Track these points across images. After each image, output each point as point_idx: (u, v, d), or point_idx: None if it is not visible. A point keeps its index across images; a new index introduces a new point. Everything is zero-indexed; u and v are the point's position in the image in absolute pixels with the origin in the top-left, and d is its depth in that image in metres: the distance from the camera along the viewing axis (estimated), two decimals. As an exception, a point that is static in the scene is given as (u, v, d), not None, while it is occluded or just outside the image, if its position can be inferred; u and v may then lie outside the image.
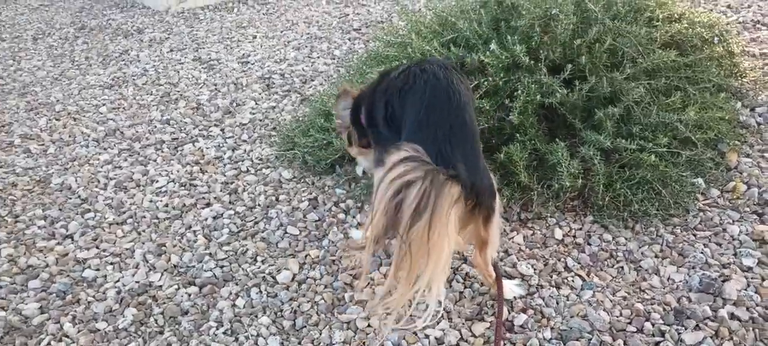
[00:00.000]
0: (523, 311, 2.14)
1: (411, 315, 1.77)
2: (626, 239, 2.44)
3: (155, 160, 3.30)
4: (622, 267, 2.31)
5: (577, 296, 2.19)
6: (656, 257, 2.34)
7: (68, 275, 2.49)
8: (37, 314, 2.30)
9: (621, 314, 2.10)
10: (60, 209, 2.93)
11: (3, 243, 2.70)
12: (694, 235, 2.41)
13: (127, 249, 2.63)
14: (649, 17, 2.98)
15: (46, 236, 2.74)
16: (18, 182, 3.17)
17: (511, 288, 2.20)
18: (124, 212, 2.88)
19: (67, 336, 2.19)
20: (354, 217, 2.71)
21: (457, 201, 1.66)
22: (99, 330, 2.21)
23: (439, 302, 1.97)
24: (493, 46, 2.76)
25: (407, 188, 1.59)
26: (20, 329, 2.24)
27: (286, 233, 2.65)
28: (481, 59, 2.73)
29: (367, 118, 2.30)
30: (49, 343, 2.17)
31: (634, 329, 2.03)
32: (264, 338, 2.12)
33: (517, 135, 2.65)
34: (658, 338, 1.99)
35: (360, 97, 2.39)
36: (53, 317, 2.28)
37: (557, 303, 2.16)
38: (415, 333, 2.08)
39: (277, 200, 2.88)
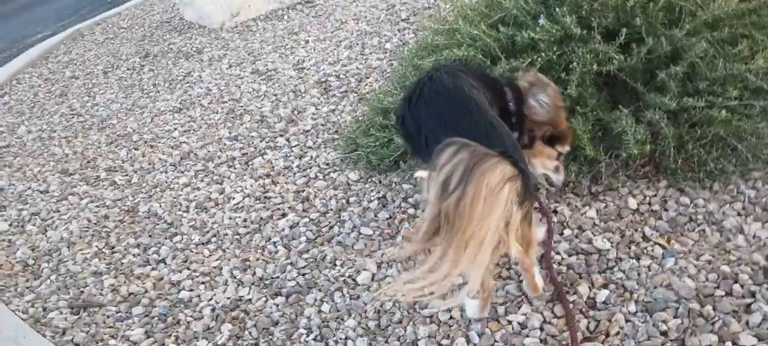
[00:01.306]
0: (605, 286, 2.14)
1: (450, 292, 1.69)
2: (705, 199, 2.38)
3: (229, 178, 3.46)
4: (704, 230, 2.26)
5: (658, 265, 2.17)
6: (739, 215, 2.28)
7: (166, 298, 2.67)
8: (143, 338, 2.48)
9: (707, 279, 2.06)
10: (150, 236, 3.13)
11: (104, 274, 2.91)
12: (777, 187, 2.33)
13: (215, 267, 2.78)
14: (706, -35, 2.86)
15: (141, 263, 2.93)
16: (109, 214, 3.40)
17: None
18: (208, 232, 3.05)
19: (173, 357, 2.36)
20: (424, 211, 2.76)
21: (511, 179, 1.58)
22: (200, 348, 2.37)
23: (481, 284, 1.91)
24: (542, 20, 2.73)
25: (457, 168, 1.54)
26: (130, 354, 2.43)
27: (360, 234, 2.73)
28: (532, 36, 2.71)
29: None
30: (157, 365, 2.34)
31: (723, 293, 2.00)
32: (352, 340, 2.21)
33: (578, 107, 2.62)
34: (748, 299, 1.96)
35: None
36: (158, 339, 2.45)
37: (639, 275, 2.15)
38: (497, 320, 2.12)
39: (347, 202, 2.96)
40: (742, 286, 2.00)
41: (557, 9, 2.73)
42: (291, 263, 2.67)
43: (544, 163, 2.38)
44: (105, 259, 3.03)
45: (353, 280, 2.49)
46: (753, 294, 1.96)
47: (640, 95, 2.61)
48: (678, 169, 2.47)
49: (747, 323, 1.89)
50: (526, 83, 2.23)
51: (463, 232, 1.54)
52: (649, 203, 2.45)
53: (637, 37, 2.63)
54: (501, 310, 2.16)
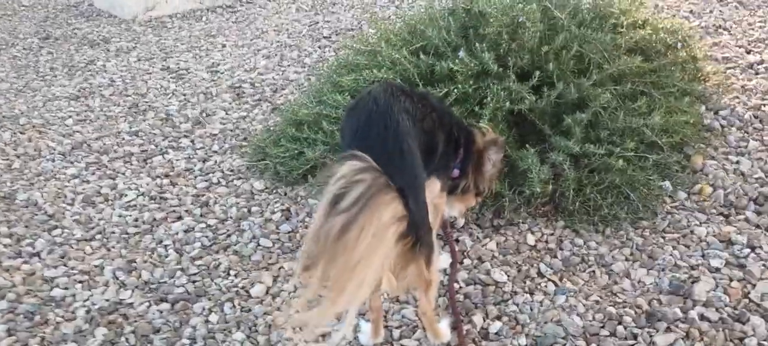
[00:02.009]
0: (498, 318, 2.16)
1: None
2: (597, 242, 2.48)
3: (124, 174, 3.25)
4: (594, 271, 2.35)
5: (550, 301, 2.22)
6: (627, 260, 2.38)
7: (36, 295, 2.44)
8: (4, 336, 2.24)
9: (594, 318, 2.13)
10: (26, 226, 2.87)
11: (-34, 263, 2.63)
12: (663, 237, 2.46)
13: (96, 266, 2.58)
14: (614, 24, 3.04)
15: (12, 255, 2.67)
16: (-19, 199, 3.10)
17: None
18: (93, 228, 2.83)
19: (36, 358, 2.15)
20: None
21: (399, 220, 1.54)
22: (68, 351, 2.17)
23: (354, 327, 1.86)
24: (462, 53, 2.79)
25: (352, 188, 1.47)
26: (-14, 352, 2.19)
27: (259, 245, 2.63)
28: (451, 67, 2.75)
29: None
30: (16, 366, 2.12)
31: (607, 333, 2.07)
32: (238, 354, 2.10)
33: (488, 142, 2.67)
34: (630, 342, 2.03)
35: None
36: (21, 339, 2.22)
37: (531, 309, 2.18)
38: (391, 344, 2.08)
39: (249, 212, 2.86)
40: (625, 328, 2.08)
41: (477, 44, 2.80)
42: (181, 269, 2.53)
43: (462, 207, 2.42)
44: (-29, 246, 2.75)
45: (246, 292, 2.38)
46: (635, 336, 2.04)
47: (546, 137, 2.71)
48: (575, 211, 2.56)
49: (628, 364, 1.96)
50: (487, 139, 2.23)
51: (344, 268, 1.47)
52: (547, 241, 2.51)
53: (548, 81, 2.74)
54: (396, 334, 2.12)
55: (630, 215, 2.55)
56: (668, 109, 2.82)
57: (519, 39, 2.82)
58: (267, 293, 2.37)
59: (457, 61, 2.77)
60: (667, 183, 2.69)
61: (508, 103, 2.66)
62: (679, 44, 3.15)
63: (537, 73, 2.70)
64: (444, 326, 2.06)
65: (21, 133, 3.75)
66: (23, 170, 3.35)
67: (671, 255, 2.36)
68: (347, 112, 2.00)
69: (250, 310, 2.29)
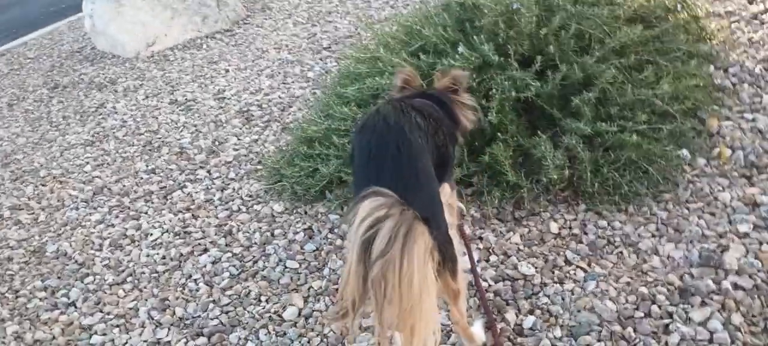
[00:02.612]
0: (531, 312, 2.16)
1: None
2: (621, 222, 2.47)
3: (147, 213, 3.30)
4: (622, 252, 2.34)
5: (581, 288, 2.21)
6: (653, 236, 2.37)
7: (76, 345, 2.49)
8: (50, 391, 2.30)
9: (627, 301, 2.12)
10: (59, 277, 2.93)
11: (7, 321, 2.70)
12: (687, 208, 2.44)
13: (130, 309, 2.63)
14: (610, -4, 3.01)
15: (48, 307, 2.74)
16: (13, 256, 3.16)
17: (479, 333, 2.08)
18: (123, 271, 2.88)
19: (84, 410, 2.20)
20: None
21: (432, 248, 1.53)
22: (114, 398, 2.21)
23: None
24: (461, 48, 2.79)
25: (378, 224, 1.46)
26: (36, 409, 2.24)
27: (286, 268, 2.66)
28: (452, 63, 2.75)
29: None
30: (66, 420, 2.17)
31: (642, 314, 2.06)
32: (279, 380, 2.13)
33: (499, 134, 2.68)
34: (666, 320, 2.02)
35: None
36: (67, 391, 2.28)
37: (563, 299, 2.18)
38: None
39: (272, 235, 2.88)
40: (659, 307, 2.07)
41: (475, 37, 2.79)
42: (213, 301, 2.56)
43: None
44: (8, 304, 2.81)
45: (279, 316, 2.41)
46: (670, 315, 2.03)
47: (557, 121, 2.70)
48: (595, 193, 2.55)
49: (666, 343, 1.95)
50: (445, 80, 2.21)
51: (408, 310, 1.47)
52: (570, 227, 2.51)
53: (551, 65, 2.73)
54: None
55: (651, 189, 2.53)
56: (676, 75, 2.79)
57: (516, 26, 2.82)
58: (299, 314, 2.39)
59: (457, 56, 2.77)
60: (685, 151, 2.66)
61: (513, 92, 2.66)
62: (679, 6, 3.12)
63: (538, 57, 2.69)
64: (477, 328, 2.07)
65: (42, 185, 3.82)
66: (49, 222, 3.41)
67: (697, 226, 2.34)
68: (358, 130, 1.98)
69: (284, 334, 2.31)
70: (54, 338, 2.55)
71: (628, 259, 2.30)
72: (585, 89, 2.66)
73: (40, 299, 2.80)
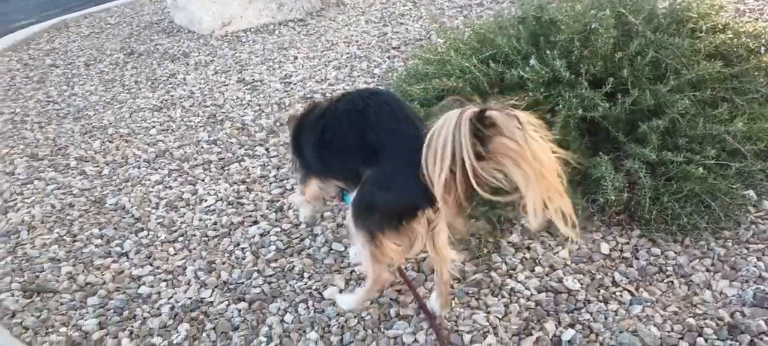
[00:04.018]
0: (571, 326, 2.13)
1: None
2: (675, 252, 2.41)
3: (203, 180, 3.40)
4: (672, 282, 2.28)
5: (625, 310, 2.17)
6: (707, 271, 2.30)
7: (124, 292, 2.59)
8: (96, 329, 2.39)
9: (672, 329, 2.07)
10: (115, 228, 3.05)
11: (63, 262, 2.82)
12: (747, 248, 2.37)
13: (179, 266, 2.71)
14: (692, 29, 2.96)
15: (102, 255, 2.85)
16: (75, 203, 3.31)
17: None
18: (175, 231, 2.98)
19: (125, 351, 2.28)
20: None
21: None
22: (155, 345, 2.29)
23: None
24: (533, 61, 2.78)
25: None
26: (80, 344, 2.33)
27: (331, 249, 2.69)
28: (521, 75, 2.75)
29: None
30: (107, 357, 2.26)
31: (686, 345, 2.01)
32: (313, 353, 2.16)
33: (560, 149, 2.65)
34: (711, 354, 1.97)
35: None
36: (111, 332, 2.37)
37: (606, 318, 2.15)
38: (462, 348, 2.10)
39: (321, 217, 2.93)
40: (705, 340, 2.01)
41: (548, 52, 2.78)
42: (257, 271, 2.62)
43: None
44: (65, 246, 2.94)
45: (319, 293, 2.44)
46: (716, 349, 1.98)
47: (620, 145, 2.66)
48: (652, 220, 2.50)
49: (708, 376, 1.90)
50: None
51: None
52: (621, 250, 2.46)
53: (622, 89, 2.69)
54: (467, 339, 2.13)
55: (711, 224, 2.46)
56: (751, 116, 2.71)
57: (591, 46, 2.79)
58: (340, 294, 2.42)
59: (527, 69, 2.77)
60: (752, 192, 2.59)
61: (580, 111, 2.63)
62: (763, 49, 3.02)
63: (610, 79, 2.66)
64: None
65: (109, 142, 3.99)
66: (112, 177, 3.56)
67: (755, 266, 2.27)
68: (335, 119, 2.13)
69: (323, 311, 2.35)
70: (104, 283, 2.66)
71: (678, 289, 2.24)
72: (654, 117, 2.62)
73: (96, 246, 2.92)
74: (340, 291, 2.43)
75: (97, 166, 3.69)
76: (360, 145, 1.99)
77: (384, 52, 4.86)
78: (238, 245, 2.82)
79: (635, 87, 2.67)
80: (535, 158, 1.56)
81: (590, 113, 2.65)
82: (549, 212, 1.60)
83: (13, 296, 2.62)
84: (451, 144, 1.61)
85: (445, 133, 1.61)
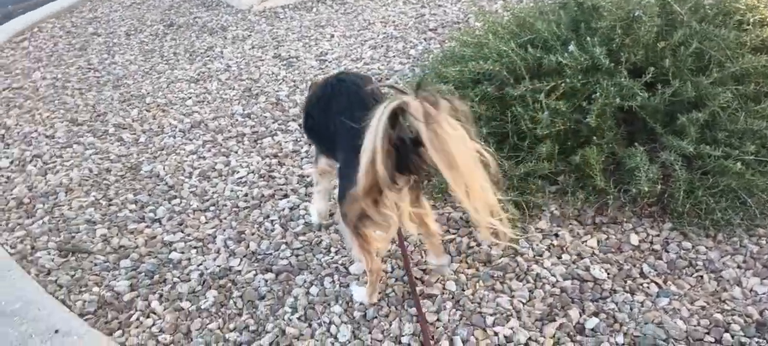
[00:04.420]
0: (595, 314, 2.12)
1: None
2: (707, 247, 2.37)
3: (236, 152, 3.45)
4: (702, 276, 2.24)
5: (652, 302, 2.15)
6: (739, 267, 2.26)
7: (156, 257, 2.65)
8: (127, 291, 2.46)
9: (698, 324, 2.04)
10: (149, 195, 3.12)
11: (98, 224, 2.90)
12: (781, 247, 2.32)
13: (209, 235, 2.77)
14: (739, 21, 2.87)
15: (136, 219, 2.92)
16: (111, 168, 3.39)
17: None
18: (207, 200, 3.03)
19: (155, 313, 2.34)
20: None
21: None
22: (183, 309, 2.34)
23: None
24: (572, 47, 2.74)
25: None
26: (112, 304, 2.40)
27: (359, 226, 2.71)
28: (559, 60, 2.71)
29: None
30: (138, 318, 2.32)
31: (712, 340, 1.98)
32: (336, 326, 2.19)
33: (594, 138, 2.62)
34: (737, 351, 1.93)
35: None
36: (142, 294, 2.43)
37: (631, 309, 2.13)
38: (484, 329, 2.10)
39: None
40: (732, 336, 1.98)
41: (588, 38, 2.74)
42: (285, 243, 2.66)
43: None
44: (100, 209, 3.02)
45: (345, 268, 2.47)
46: (743, 345, 1.94)
47: (657, 136, 2.62)
48: (685, 213, 2.46)
49: (734, 373, 1.87)
50: None
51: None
52: (651, 242, 2.43)
53: (663, 79, 2.64)
54: (489, 321, 2.14)
55: (745, 221, 2.41)
56: (796, 114, 2.63)
57: (633, 34, 2.74)
58: (356, 285, 2.44)
59: (566, 55, 2.73)
60: (790, 191, 2.51)
61: (618, 100, 2.59)
62: (813, 45, 2.92)
63: (651, 69, 2.61)
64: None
65: (146, 110, 4.06)
66: (148, 145, 3.63)
67: (790, 266, 2.22)
68: (324, 101, 2.26)
69: (348, 286, 2.37)
70: (137, 246, 2.73)
71: (707, 284, 2.21)
72: (694, 109, 2.56)
73: (130, 211, 2.99)
74: (357, 279, 2.45)
75: (134, 134, 3.77)
76: (327, 133, 2.14)
77: (420, 33, 4.83)
78: (268, 217, 2.86)
79: (676, 78, 2.61)
80: (443, 150, 1.64)
81: (628, 103, 2.60)
82: (469, 205, 1.71)
83: (49, 254, 2.70)
84: (373, 134, 1.68)
85: (373, 124, 1.68)
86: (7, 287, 2.48)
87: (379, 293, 2.31)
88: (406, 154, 1.76)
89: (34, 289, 2.48)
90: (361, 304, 2.27)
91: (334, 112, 2.13)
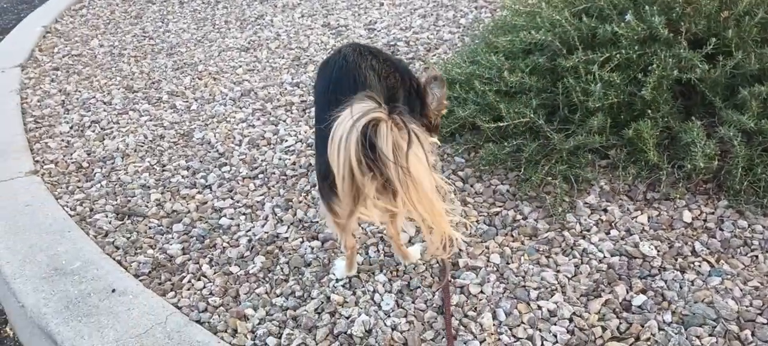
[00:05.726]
0: (643, 291, 2.07)
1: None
2: (764, 226, 2.28)
3: (285, 121, 3.49)
4: (757, 256, 2.17)
5: (703, 281, 2.09)
6: (797, 248, 2.17)
7: (207, 222, 2.72)
8: (179, 254, 2.54)
9: (751, 304, 1.98)
10: (201, 162, 3.20)
11: (152, 189, 3.00)
12: None
13: (257, 202, 2.83)
14: (810, -12, 2.71)
15: (188, 185, 3.01)
16: (165, 135, 3.49)
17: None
18: (256, 168, 3.09)
19: (205, 276, 2.42)
20: (472, 186, 2.73)
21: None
22: (232, 273, 2.41)
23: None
24: (628, 16, 2.65)
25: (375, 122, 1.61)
26: (165, 266, 2.49)
27: (404, 197, 2.72)
28: (615, 30, 2.63)
29: None
30: (189, 280, 2.40)
31: (765, 321, 1.92)
32: (380, 295, 2.21)
33: (649, 111, 2.54)
34: (792, 334, 1.87)
35: None
36: (193, 258, 2.51)
37: (681, 287, 2.07)
38: (528, 303, 2.09)
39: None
40: (787, 318, 1.91)
41: (647, 7, 2.64)
42: (332, 211, 2.69)
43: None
44: (155, 175, 3.12)
45: (391, 238, 2.48)
46: (798, 329, 1.87)
47: (716, 110, 2.52)
48: (742, 191, 2.37)
49: (787, 356, 1.81)
50: (427, 76, 2.30)
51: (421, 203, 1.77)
52: (705, 220, 2.36)
53: (725, 50, 2.53)
54: (533, 294, 2.12)
55: (808, 200, 2.31)
56: None
57: (695, 3, 2.63)
58: (410, 242, 2.46)
59: (622, 24, 2.64)
60: None
61: (675, 72, 2.50)
62: None
63: (712, 40, 2.50)
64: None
65: (198, 78, 4.15)
66: (199, 112, 3.72)
67: None
68: (320, 69, 2.23)
69: (392, 255, 2.39)
70: (189, 211, 2.81)
71: (762, 264, 2.13)
72: (757, 83, 2.45)
73: (182, 177, 3.08)
74: (410, 239, 2.46)
75: (187, 102, 3.86)
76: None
77: (471, 1, 4.75)
78: (315, 185, 2.89)
79: (739, 49, 2.50)
80: (403, 173, 1.64)
81: (686, 75, 2.51)
82: (424, 227, 1.77)
83: (106, 217, 2.82)
84: (344, 146, 1.64)
85: (340, 133, 1.63)
86: (68, 247, 2.60)
87: (423, 262, 2.32)
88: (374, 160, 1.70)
89: (92, 249, 2.59)
90: (412, 264, 2.33)
91: (318, 82, 2.16)
